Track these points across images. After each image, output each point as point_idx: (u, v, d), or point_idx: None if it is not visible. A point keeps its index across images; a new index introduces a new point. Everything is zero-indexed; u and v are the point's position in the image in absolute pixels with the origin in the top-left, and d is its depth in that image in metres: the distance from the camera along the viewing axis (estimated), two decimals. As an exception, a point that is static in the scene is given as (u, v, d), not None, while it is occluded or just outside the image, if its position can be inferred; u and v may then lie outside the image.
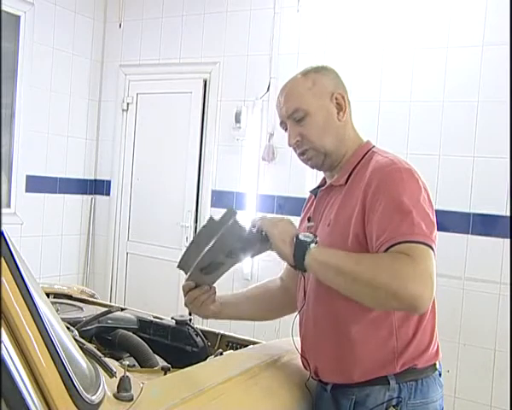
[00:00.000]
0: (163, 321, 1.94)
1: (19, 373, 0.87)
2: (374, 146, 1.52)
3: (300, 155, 1.51)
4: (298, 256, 1.32)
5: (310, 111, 1.45)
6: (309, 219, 1.55)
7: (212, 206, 4.13)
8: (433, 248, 1.28)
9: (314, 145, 1.47)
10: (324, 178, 1.60)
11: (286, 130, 1.52)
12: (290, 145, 1.50)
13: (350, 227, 1.37)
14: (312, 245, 1.31)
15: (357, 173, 1.44)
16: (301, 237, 1.33)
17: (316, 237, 1.34)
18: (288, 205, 3.75)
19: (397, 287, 1.20)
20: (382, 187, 1.33)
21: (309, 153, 1.48)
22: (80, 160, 4.59)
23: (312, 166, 1.53)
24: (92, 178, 4.70)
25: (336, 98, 1.48)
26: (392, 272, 1.22)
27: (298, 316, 1.56)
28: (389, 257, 1.25)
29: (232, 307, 1.68)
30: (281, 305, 1.74)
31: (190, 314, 1.90)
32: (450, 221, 3.19)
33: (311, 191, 1.65)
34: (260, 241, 1.36)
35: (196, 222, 4.20)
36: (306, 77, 1.49)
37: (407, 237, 1.25)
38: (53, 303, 1.84)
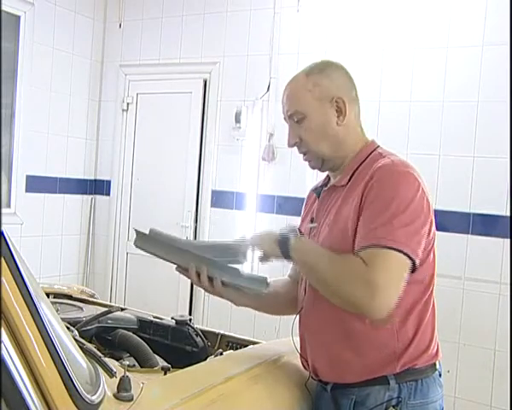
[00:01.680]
0: (163, 321, 1.94)
1: (19, 373, 0.87)
2: (378, 146, 1.51)
3: (301, 154, 1.54)
4: (283, 250, 1.38)
5: (308, 114, 1.45)
6: (312, 220, 1.55)
7: (212, 206, 4.12)
8: (408, 255, 1.28)
9: (311, 149, 1.49)
10: (327, 177, 1.60)
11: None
12: (289, 146, 1.52)
13: (348, 226, 1.37)
14: (292, 235, 1.40)
15: (360, 174, 1.44)
16: (282, 234, 1.41)
17: (294, 228, 1.43)
18: (288, 205, 3.74)
19: (345, 292, 1.30)
20: (376, 188, 1.34)
21: (308, 156, 1.51)
22: (80, 160, 4.59)
23: (312, 168, 1.55)
24: (92, 178, 4.70)
25: (337, 102, 1.45)
26: (344, 278, 1.30)
27: (298, 316, 1.56)
28: (349, 262, 1.31)
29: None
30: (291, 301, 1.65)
31: (190, 314, 1.89)
32: (450, 221, 3.18)
33: (313, 190, 1.65)
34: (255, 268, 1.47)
35: (196, 222, 4.20)
36: (308, 78, 1.47)
37: (380, 242, 1.28)
38: (53, 303, 1.84)
